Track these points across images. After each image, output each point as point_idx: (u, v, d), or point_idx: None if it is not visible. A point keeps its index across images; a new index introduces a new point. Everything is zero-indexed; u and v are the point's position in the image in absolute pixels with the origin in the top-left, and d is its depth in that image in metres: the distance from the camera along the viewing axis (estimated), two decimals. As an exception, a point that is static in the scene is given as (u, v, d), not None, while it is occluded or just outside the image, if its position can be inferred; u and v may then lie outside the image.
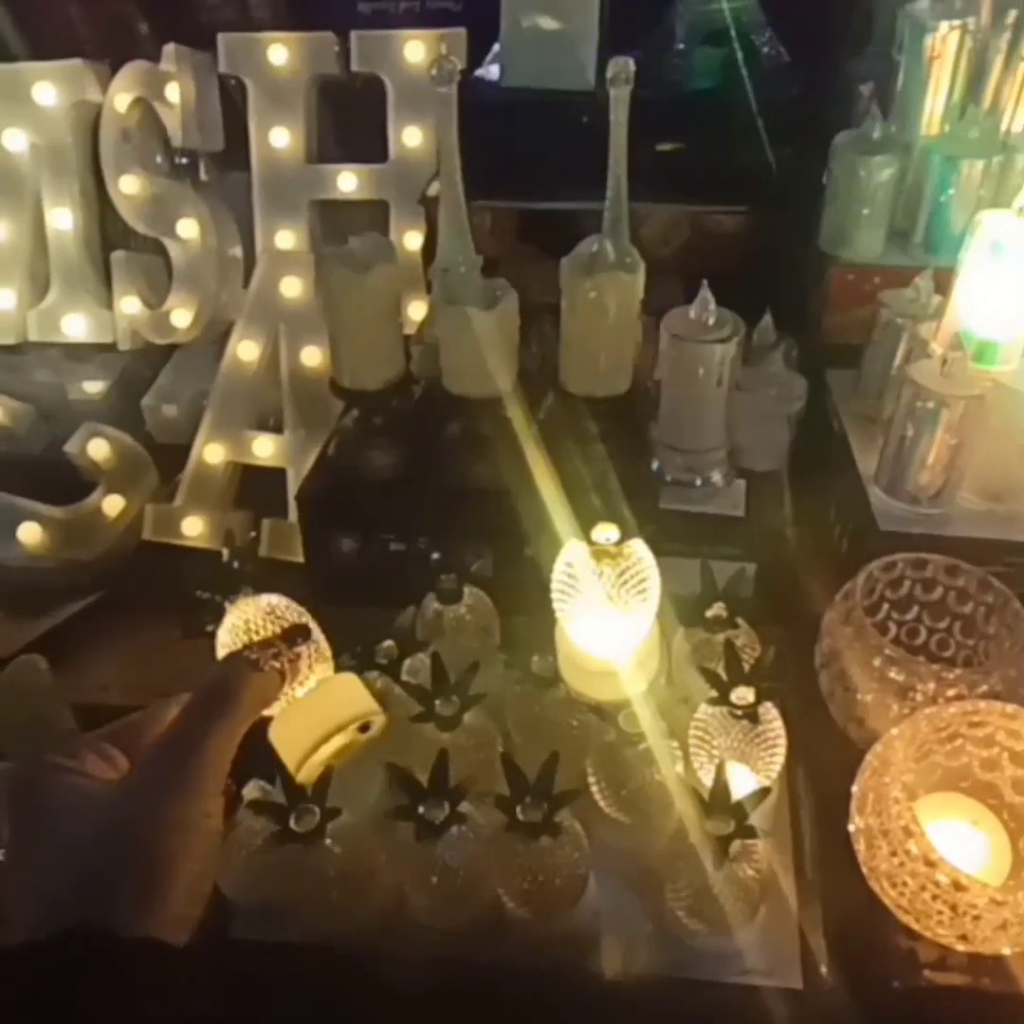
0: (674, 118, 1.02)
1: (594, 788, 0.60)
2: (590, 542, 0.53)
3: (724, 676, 0.59)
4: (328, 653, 0.56)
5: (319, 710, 0.54)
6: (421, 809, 0.54)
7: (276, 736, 0.53)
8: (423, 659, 0.62)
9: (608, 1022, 0.59)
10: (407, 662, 0.63)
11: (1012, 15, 0.79)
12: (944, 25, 0.79)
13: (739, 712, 0.59)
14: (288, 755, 0.53)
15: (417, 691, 0.59)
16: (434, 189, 1.17)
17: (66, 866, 0.44)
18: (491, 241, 1.06)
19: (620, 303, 0.75)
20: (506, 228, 1.06)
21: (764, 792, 0.54)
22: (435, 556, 0.74)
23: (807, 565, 0.76)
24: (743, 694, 0.59)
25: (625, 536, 0.55)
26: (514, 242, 1.06)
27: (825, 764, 0.65)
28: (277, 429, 1.11)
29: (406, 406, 0.83)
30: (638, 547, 0.54)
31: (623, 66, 0.76)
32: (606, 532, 0.53)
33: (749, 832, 0.53)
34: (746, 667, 0.60)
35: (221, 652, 0.56)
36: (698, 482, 0.81)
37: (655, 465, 0.82)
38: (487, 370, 0.77)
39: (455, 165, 0.82)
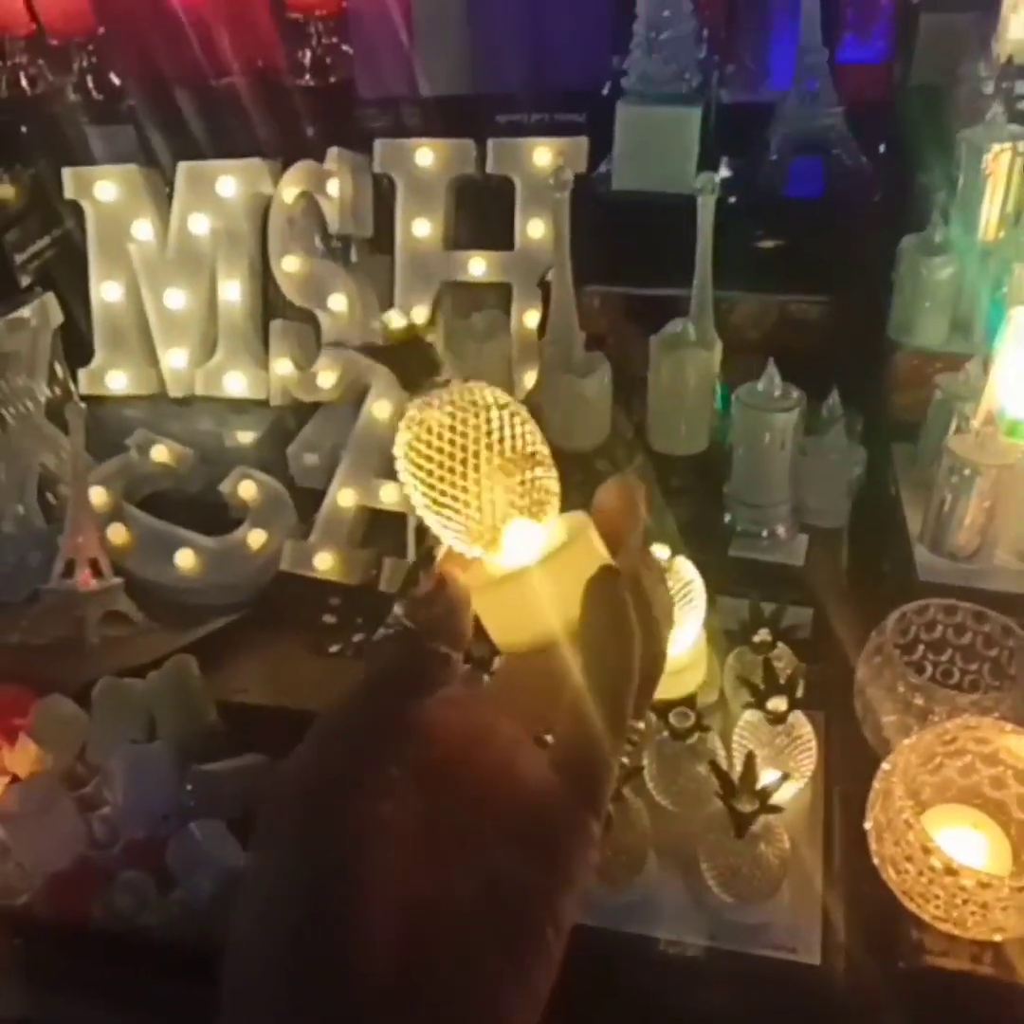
0: (767, 218, 1.17)
1: (649, 781, 0.73)
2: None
3: (762, 687, 0.71)
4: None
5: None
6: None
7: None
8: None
9: (653, 981, 0.70)
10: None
11: (1058, 140, 0.92)
12: (996, 147, 0.92)
13: (772, 717, 0.70)
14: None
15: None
16: (551, 274, 1.35)
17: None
18: (599, 320, 1.22)
19: (698, 375, 0.89)
20: (613, 310, 1.22)
21: (783, 777, 0.65)
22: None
23: (857, 610, 0.87)
24: (776, 703, 0.70)
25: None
26: (619, 322, 1.22)
27: (855, 776, 0.76)
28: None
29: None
30: (685, 564, 0.67)
31: (708, 179, 0.92)
32: (658, 550, 0.66)
33: (771, 809, 0.64)
34: (781, 680, 0.71)
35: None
36: (764, 534, 0.93)
37: (727, 517, 0.94)
38: (582, 428, 0.91)
39: (566, 256, 0.99)
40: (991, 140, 0.92)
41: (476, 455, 0.35)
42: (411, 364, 0.33)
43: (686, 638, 0.68)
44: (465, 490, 0.35)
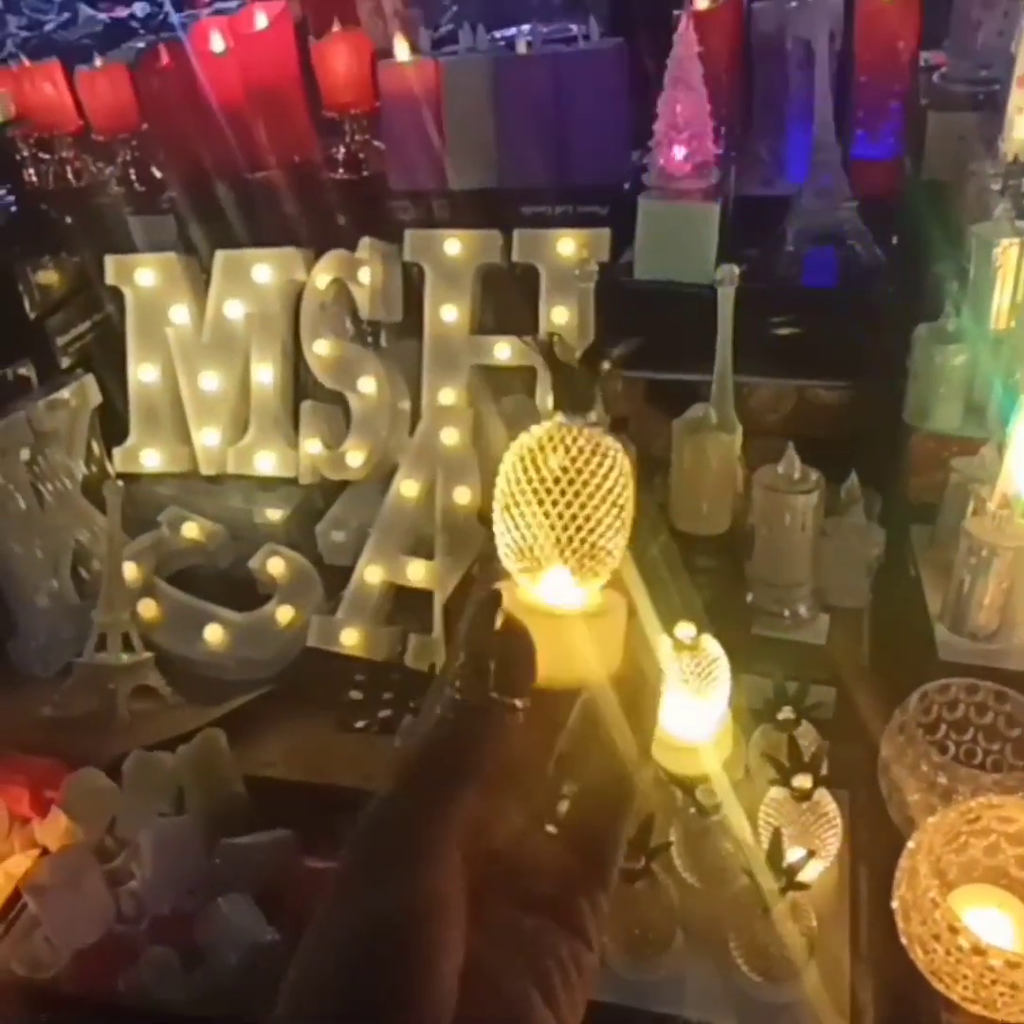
0: (784, 307, 1.22)
1: (676, 858, 0.74)
2: (673, 637, 0.69)
3: (787, 764, 0.73)
4: None
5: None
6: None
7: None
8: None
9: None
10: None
11: (1063, 236, 0.96)
12: (1004, 241, 0.96)
13: (797, 795, 0.72)
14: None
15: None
16: (575, 358, 1.39)
17: None
18: (622, 403, 1.26)
19: (720, 458, 0.92)
20: (635, 393, 1.26)
21: (809, 854, 0.67)
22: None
23: (879, 689, 0.89)
24: (801, 780, 0.72)
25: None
26: (641, 405, 1.26)
27: (881, 856, 0.77)
28: (428, 555, 1.32)
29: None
30: (711, 643, 0.70)
31: (728, 271, 0.96)
32: (685, 630, 0.68)
33: (798, 886, 0.66)
34: (805, 759, 0.73)
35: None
36: (786, 613, 0.95)
37: (750, 597, 0.97)
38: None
39: (590, 340, 1.03)
40: (1000, 235, 0.97)
41: (575, 493, 0.39)
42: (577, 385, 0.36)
43: (712, 715, 0.70)
44: (535, 514, 0.39)
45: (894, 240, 1.23)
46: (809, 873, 0.72)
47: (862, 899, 0.77)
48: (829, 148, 1.18)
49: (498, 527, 0.40)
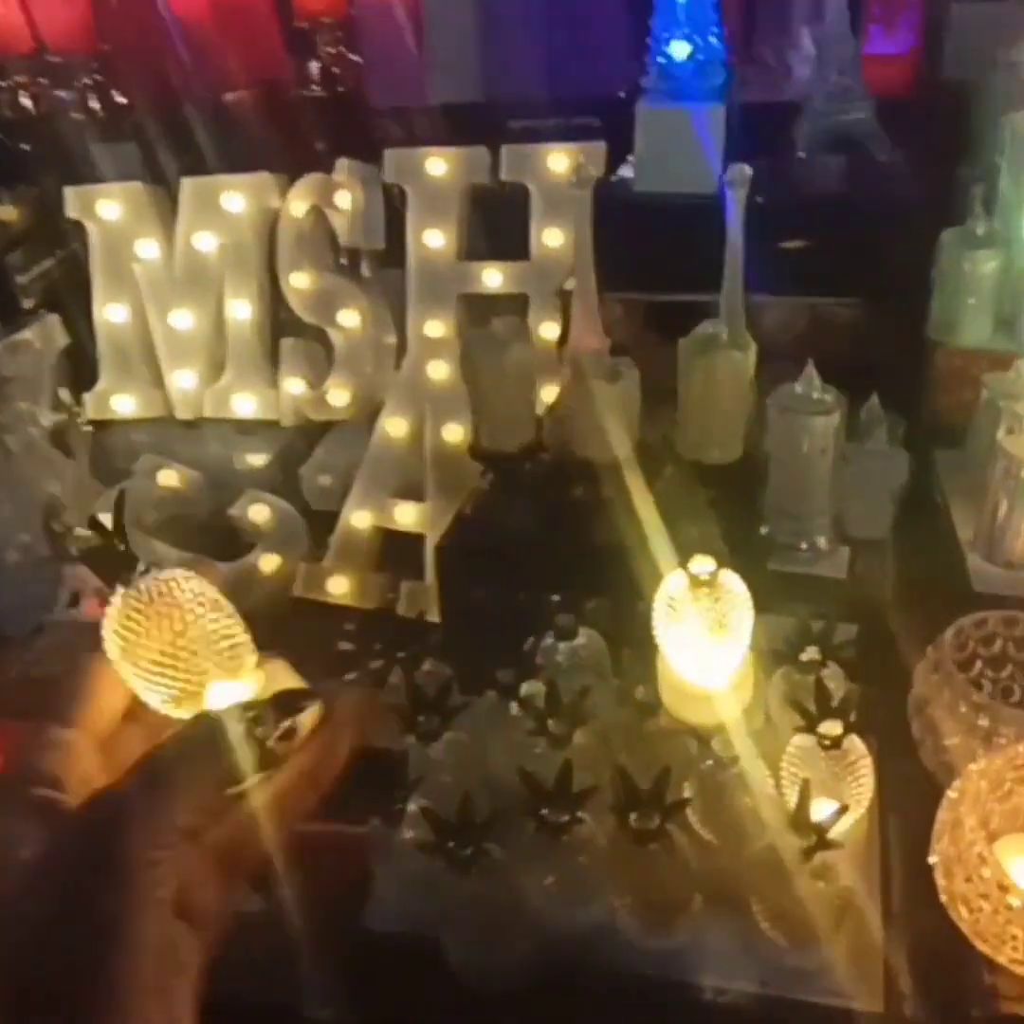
0: (795, 219, 1.14)
1: (691, 814, 0.68)
2: (688, 573, 0.62)
3: (813, 710, 0.66)
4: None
5: None
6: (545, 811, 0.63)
7: None
8: (539, 685, 0.72)
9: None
10: (524, 686, 0.73)
11: (1106, 121, 0.88)
12: (1042, 131, 0.88)
13: (826, 743, 0.66)
14: None
15: (533, 710, 0.69)
16: (570, 283, 1.31)
17: None
18: (621, 329, 1.19)
19: (732, 378, 0.85)
20: (635, 317, 1.19)
21: (842, 809, 0.61)
22: (556, 597, 0.84)
23: (906, 624, 0.82)
24: (830, 726, 0.66)
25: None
26: (641, 330, 1.18)
27: (914, 806, 0.71)
28: (418, 498, 1.25)
29: (537, 470, 0.94)
30: (731, 579, 0.63)
31: (740, 171, 0.88)
32: (702, 564, 0.62)
33: (829, 845, 0.60)
34: (834, 703, 0.67)
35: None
36: (804, 546, 0.88)
37: (765, 529, 0.90)
38: (610, 437, 0.87)
39: (589, 259, 0.95)
40: (1036, 124, 0.89)
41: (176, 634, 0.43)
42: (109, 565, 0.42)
43: (731, 659, 0.63)
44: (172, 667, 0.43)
45: (912, 143, 1.14)
46: (839, 828, 0.67)
47: (894, 852, 0.71)
48: (844, 41, 1.09)
49: (144, 688, 0.44)
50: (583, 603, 0.86)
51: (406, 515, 1.25)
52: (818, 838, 0.60)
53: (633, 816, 0.61)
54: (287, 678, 0.46)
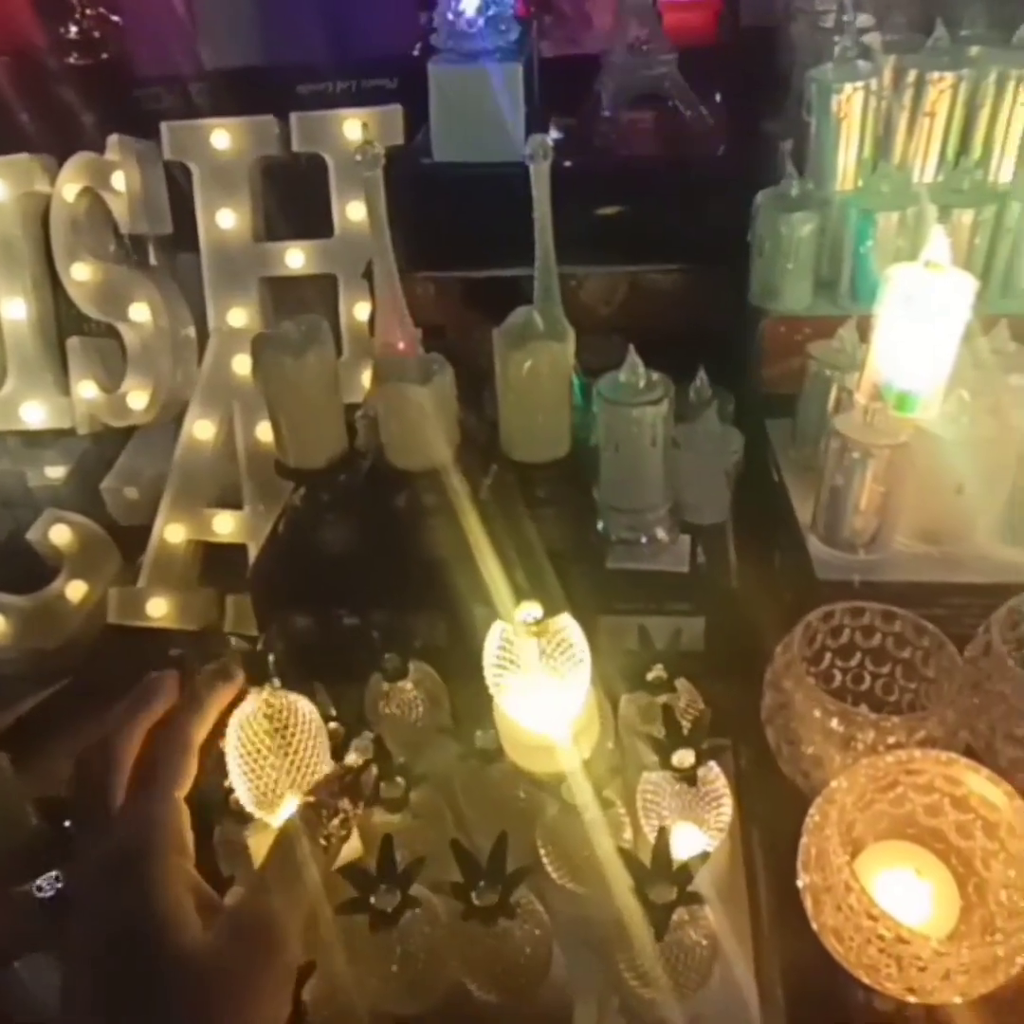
0: (606, 182, 1.05)
1: (545, 859, 0.61)
2: (515, 621, 0.54)
3: (663, 739, 0.60)
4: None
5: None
6: (373, 899, 0.54)
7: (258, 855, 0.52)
8: (367, 739, 0.63)
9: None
10: (354, 742, 0.63)
11: (912, 75, 0.82)
12: (848, 86, 0.82)
13: (680, 775, 0.59)
14: None
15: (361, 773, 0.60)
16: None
17: None
18: (436, 310, 1.09)
19: (552, 370, 0.76)
20: (450, 297, 1.08)
21: (704, 857, 0.54)
22: (375, 634, 0.75)
23: (754, 617, 0.77)
24: (683, 757, 0.59)
25: (553, 610, 0.56)
26: (459, 310, 1.08)
27: (777, 818, 0.66)
28: (236, 505, 1.13)
29: (353, 481, 0.84)
30: (564, 621, 0.55)
31: (540, 143, 0.79)
32: (529, 611, 0.54)
33: (692, 898, 0.53)
34: (685, 728, 0.60)
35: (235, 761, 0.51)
36: (643, 540, 0.82)
37: (600, 525, 0.83)
38: (427, 443, 0.78)
39: (386, 244, 0.85)
40: (842, 79, 0.82)
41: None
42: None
43: (570, 703, 0.56)
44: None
45: (719, 95, 1.07)
46: (689, 853, 0.61)
47: (759, 871, 0.66)
48: (639, -11, 1.00)
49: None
50: (412, 630, 0.77)
51: (224, 525, 1.12)
52: (680, 890, 0.53)
53: (474, 894, 0.54)
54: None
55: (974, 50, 0.84)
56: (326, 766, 0.52)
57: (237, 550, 1.12)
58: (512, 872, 0.54)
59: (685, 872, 0.54)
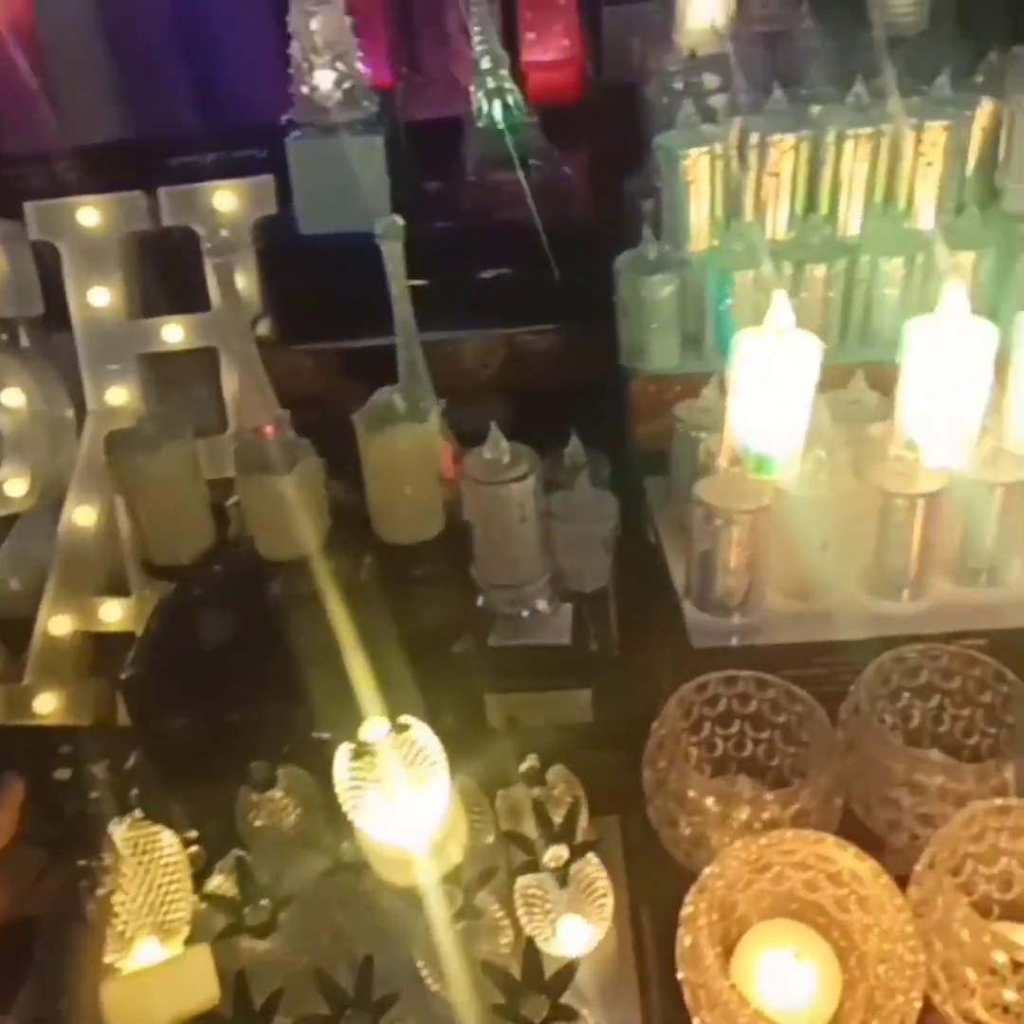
0: (477, 246, 1.04)
1: (423, 972, 0.58)
2: (360, 741, 0.51)
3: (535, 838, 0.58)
4: None
5: (163, 990, 0.53)
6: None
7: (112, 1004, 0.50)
8: (231, 862, 0.59)
9: None
10: (218, 864, 0.60)
11: (755, 137, 0.83)
12: (693, 151, 0.82)
13: (555, 873, 0.57)
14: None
15: (223, 904, 0.57)
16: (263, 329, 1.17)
17: None
18: (315, 382, 1.06)
19: (416, 451, 0.74)
20: (328, 368, 1.06)
21: (571, 966, 0.52)
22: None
23: (638, 686, 0.76)
24: (556, 853, 0.57)
25: (419, 705, 0.54)
26: (337, 381, 1.06)
27: (668, 898, 0.63)
28: (124, 592, 1.08)
29: (226, 573, 0.81)
30: (417, 732, 0.53)
31: (391, 224, 0.77)
32: (374, 729, 0.51)
33: (565, 1014, 0.51)
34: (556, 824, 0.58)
35: None
36: (525, 613, 0.80)
37: (481, 601, 0.81)
38: (293, 532, 0.75)
39: (245, 328, 0.82)
40: (687, 145, 0.82)
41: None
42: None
43: (430, 814, 0.54)
44: None
45: (583, 155, 1.07)
46: (574, 947, 0.59)
47: (649, 957, 0.64)
48: (494, 56, 0.99)
49: None
50: (289, 725, 0.74)
51: (112, 613, 1.08)
52: (552, 1007, 0.51)
53: (342, 1024, 0.51)
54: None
55: (815, 110, 0.85)
56: (185, 900, 0.49)
57: (129, 638, 1.07)
58: (379, 999, 0.52)
59: (558, 983, 0.52)
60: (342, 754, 0.52)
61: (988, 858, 0.61)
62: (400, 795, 0.52)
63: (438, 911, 0.55)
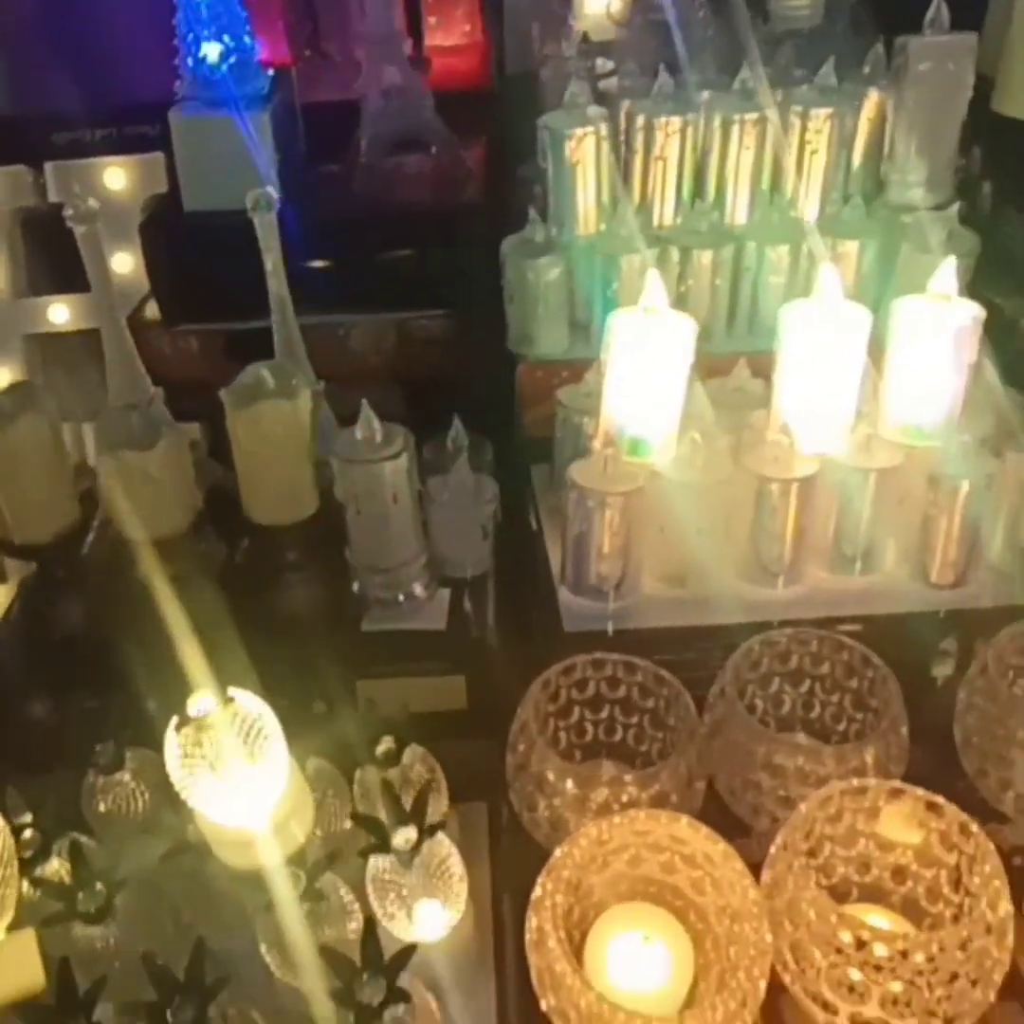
0: (370, 229, 1.03)
1: (266, 956, 0.57)
2: (186, 718, 0.50)
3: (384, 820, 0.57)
4: None
5: None
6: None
7: None
8: (64, 846, 0.57)
9: None
10: (55, 846, 0.58)
11: (641, 119, 0.83)
12: (578, 131, 0.82)
13: (404, 855, 0.56)
14: None
15: (54, 889, 0.55)
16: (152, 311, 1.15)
17: None
18: (200, 364, 1.04)
19: (285, 429, 0.73)
20: (214, 350, 1.04)
21: (409, 949, 0.51)
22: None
23: (512, 672, 0.75)
24: (405, 835, 0.56)
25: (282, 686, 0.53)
26: (222, 363, 1.04)
27: (524, 883, 0.63)
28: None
29: (87, 556, 0.78)
30: (247, 703, 0.51)
31: (262, 196, 0.77)
32: (200, 703, 0.50)
33: (400, 996, 0.50)
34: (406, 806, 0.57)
35: None
36: (401, 598, 0.79)
37: (356, 586, 0.80)
38: (156, 512, 0.74)
39: (112, 301, 0.80)
40: (572, 125, 0.82)
41: None
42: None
43: (271, 790, 0.52)
44: None
45: (480, 140, 1.07)
46: (431, 931, 0.58)
47: (508, 942, 0.63)
48: (391, 39, 0.98)
49: None
50: (148, 711, 0.72)
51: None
52: (389, 989, 0.50)
53: (169, 1012, 0.49)
54: None
55: (703, 95, 0.86)
56: (11, 886, 0.47)
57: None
58: (210, 983, 0.50)
59: (394, 965, 0.51)
60: (170, 731, 0.51)
61: (846, 840, 0.62)
62: (234, 772, 0.51)
63: (280, 893, 0.53)
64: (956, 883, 0.59)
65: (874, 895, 0.63)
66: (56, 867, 0.58)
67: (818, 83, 0.85)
